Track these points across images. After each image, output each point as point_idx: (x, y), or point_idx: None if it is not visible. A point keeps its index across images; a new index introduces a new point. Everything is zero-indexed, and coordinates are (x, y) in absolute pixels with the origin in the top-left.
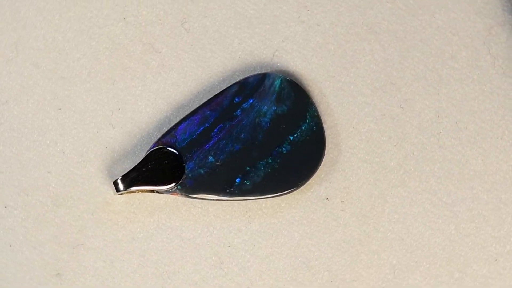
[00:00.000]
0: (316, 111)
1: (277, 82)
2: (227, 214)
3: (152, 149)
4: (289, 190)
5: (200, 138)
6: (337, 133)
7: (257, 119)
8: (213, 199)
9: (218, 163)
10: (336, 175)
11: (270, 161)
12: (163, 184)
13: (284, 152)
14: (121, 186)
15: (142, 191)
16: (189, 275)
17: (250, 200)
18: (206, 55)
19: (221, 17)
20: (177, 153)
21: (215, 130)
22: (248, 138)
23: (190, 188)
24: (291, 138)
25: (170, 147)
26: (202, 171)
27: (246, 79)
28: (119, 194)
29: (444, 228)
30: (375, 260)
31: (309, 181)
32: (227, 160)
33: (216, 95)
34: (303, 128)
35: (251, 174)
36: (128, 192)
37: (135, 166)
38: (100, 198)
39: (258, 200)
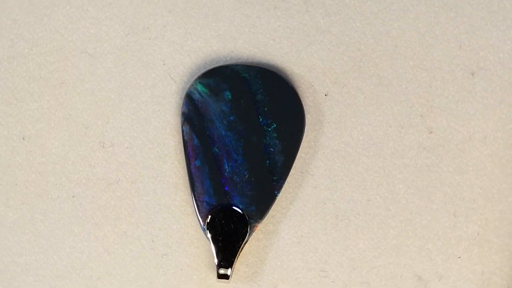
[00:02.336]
0: (242, 65)
1: (199, 87)
2: (297, 190)
3: (205, 228)
4: (305, 126)
5: (217, 180)
6: (272, 57)
7: (225, 122)
8: (278, 197)
9: (247, 175)
10: (315, 77)
11: (269, 128)
12: (243, 234)
13: (267, 111)
14: (226, 273)
15: (238, 256)
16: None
17: (296, 163)
18: (139, 142)
19: (104, 108)
20: (219, 206)
21: (216, 162)
22: (238, 138)
23: (258, 211)
24: (259, 100)
25: (212, 210)
26: (248, 193)
27: (182, 114)
28: (230, 277)
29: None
30: (420, 96)
31: (306, 102)
32: (247, 165)
33: (184, 148)
34: (255, 84)
35: (271, 150)
36: (233, 268)
37: (213, 247)
38: None
39: (298, 157)
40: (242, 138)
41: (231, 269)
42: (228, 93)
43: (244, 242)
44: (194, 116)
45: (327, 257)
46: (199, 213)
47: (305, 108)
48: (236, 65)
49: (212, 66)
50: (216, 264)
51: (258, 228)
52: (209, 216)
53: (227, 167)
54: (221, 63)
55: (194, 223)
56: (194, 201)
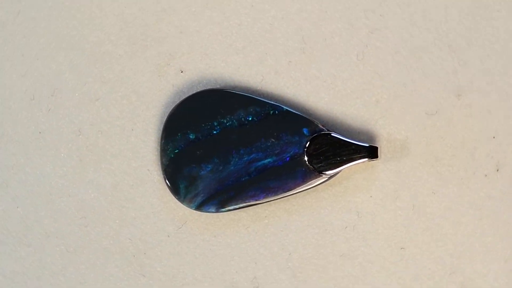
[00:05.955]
0: (160, 148)
1: (181, 186)
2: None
3: (328, 176)
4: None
5: (278, 168)
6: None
7: (221, 167)
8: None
9: (274, 140)
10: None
11: (256, 109)
12: (337, 138)
13: (217, 123)
14: (373, 147)
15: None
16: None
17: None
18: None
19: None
20: (306, 161)
21: (266, 171)
22: (235, 152)
23: (309, 125)
24: (195, 137)
25: (311, 169)
26: (294, 135)
27: (198, 208)
28: (376, 146)
29: None
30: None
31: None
32: (268, 146)
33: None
34: (182, 139)
35: (254, 119)
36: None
37: (352, 164)
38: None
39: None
40: (236, 146)
41: (369, 144)
42: (191, 169)
43: (341, 138)
44: (213, 198)
45: None
46: (310, 181)
47: (233, 78)
48: (161, 150)
49: (158, 169)
50: (367, 156)
51: (324, 131)
52: (317, 172)
53: (267, 162)
54: (158, 162)
55: (327, 188)
56: (307, 186)
